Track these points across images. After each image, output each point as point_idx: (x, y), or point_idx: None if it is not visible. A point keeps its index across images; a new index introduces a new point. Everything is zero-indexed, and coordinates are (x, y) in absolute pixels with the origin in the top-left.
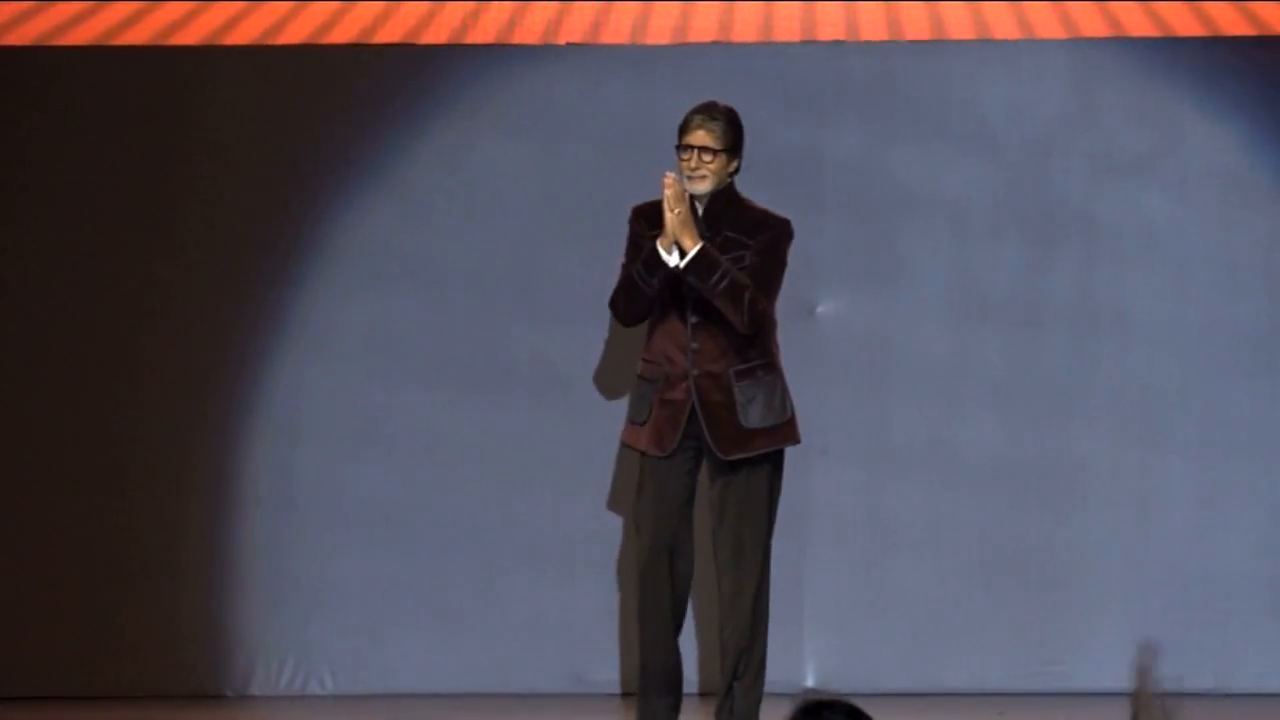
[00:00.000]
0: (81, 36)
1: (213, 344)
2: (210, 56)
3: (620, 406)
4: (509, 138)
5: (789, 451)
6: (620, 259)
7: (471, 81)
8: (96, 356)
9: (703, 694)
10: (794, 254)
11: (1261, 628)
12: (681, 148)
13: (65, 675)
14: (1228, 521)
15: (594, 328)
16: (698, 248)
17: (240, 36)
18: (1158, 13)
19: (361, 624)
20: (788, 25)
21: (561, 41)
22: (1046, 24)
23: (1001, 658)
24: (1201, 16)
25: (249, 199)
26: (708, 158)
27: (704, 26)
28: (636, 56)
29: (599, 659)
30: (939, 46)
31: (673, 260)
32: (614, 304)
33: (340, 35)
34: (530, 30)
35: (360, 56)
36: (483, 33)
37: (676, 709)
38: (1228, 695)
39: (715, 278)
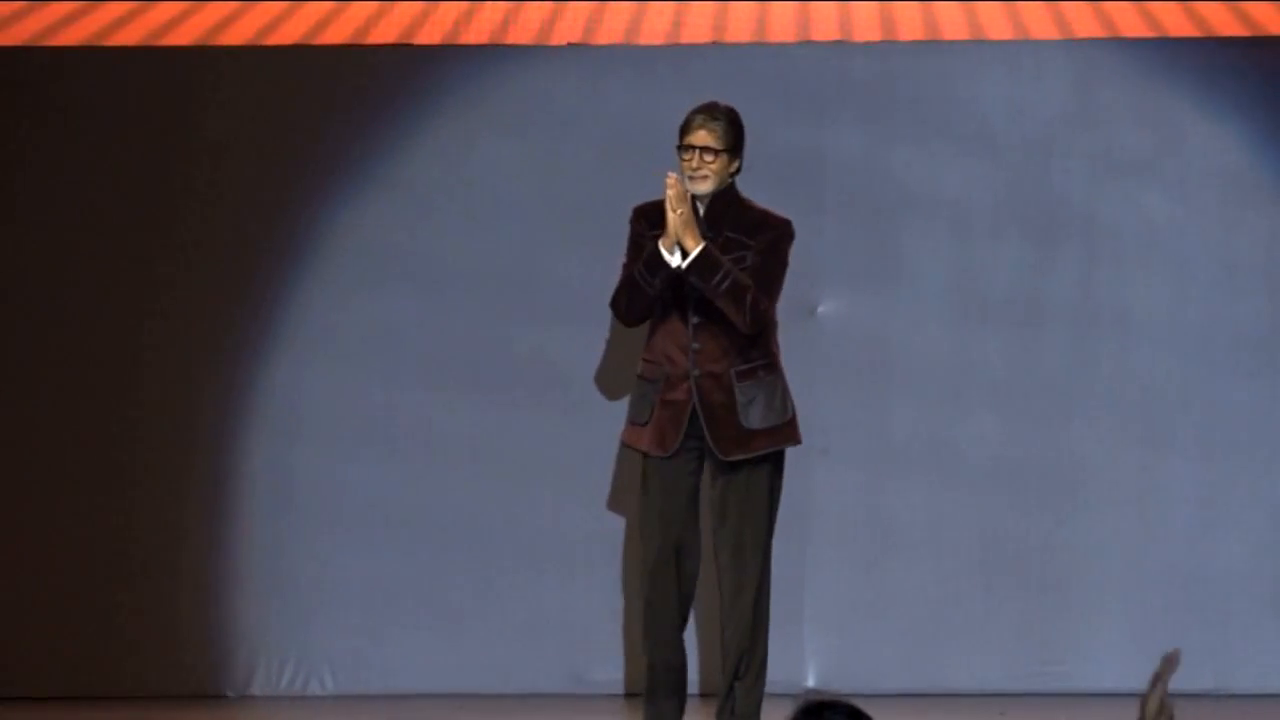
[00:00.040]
0: (75, 36)
1: (213, 344)
2: (210, 57)
3: (621, 406)
4: (509, 137)
5: (790, 451)
6: (621, 259)
7: (472, 81)
8: (96, 356)
9: (703, 695)
10: (795, 254)
11: (1262, 628)
12: (683, 148)
13: (65, 676)
14: (1228, 521)
15: (594, 328)
16: (700, 248)
17: (234, 36)
18: (1159, 13)
19: (362, 624)
20: (789, 25)
21: (555, 42)
22: (1047, 24)
23: (1002, 658)
24: (1202, 16)
25: (249, 199)
26: (709, 158)
27: (700, 26)
28: (637, 57)
29: (600, 659)
30: (940, 47)
31: (675, 260)
32: (615, 304)
33: (334, 35)
34: (525, 30)
35: (361, 57)
36: (476, 33)
37: (682, 710)
38: (1228, 695)
39: (717, 278)
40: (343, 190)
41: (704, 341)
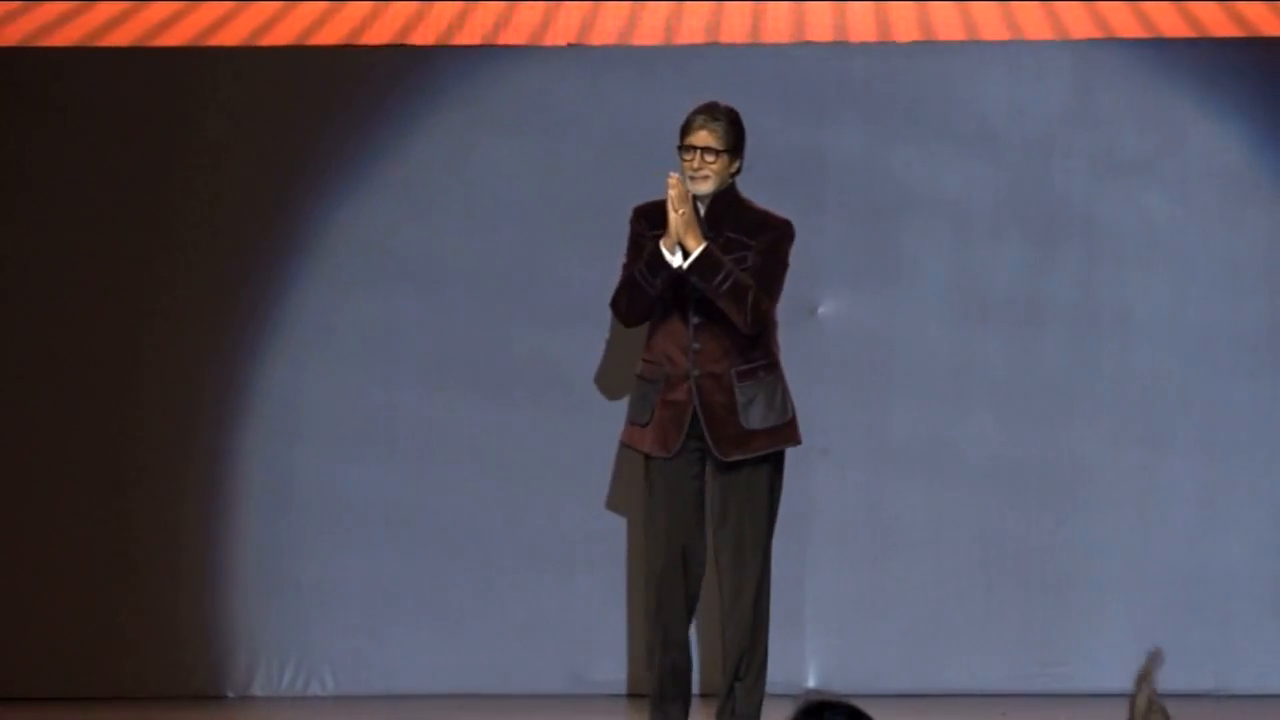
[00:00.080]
0: (68, 37)
1: (213, 344)
2: (209, 57)
3: (621, 406)
4: (509, 138)
5: (790, 451)
6: (621, 259)
7: (473, 81)
8: (96, 356)
9: (704, 695)
10: (795, 254)
11: (1262, 628)
12: (684, 148)
13: (66, 676)
14: (1229, 521)
15: (595, 328)
16: (701, 248)
17: (228, 36)
18: (1159, 12)
19: (362, 624)
20: (784, 26)
21: (548, 43)
22: (1048, 25)
23: (1003, 658)
24: (1202, 17)
25: (248, 199)
26: (710, 158)
27: (694, 27)
28: (637, 57)
29: (600, 659)
30: (940, 47)
31: (676, 260)
32: (615, 304)
33: (329, 36)
34: (519, 31)
35: (360, 57)
36: (470, 34)
37: (687, 712)
38: (1228, 696)
39: (719, 278)
40: (342, 190)
41: (705, 342)
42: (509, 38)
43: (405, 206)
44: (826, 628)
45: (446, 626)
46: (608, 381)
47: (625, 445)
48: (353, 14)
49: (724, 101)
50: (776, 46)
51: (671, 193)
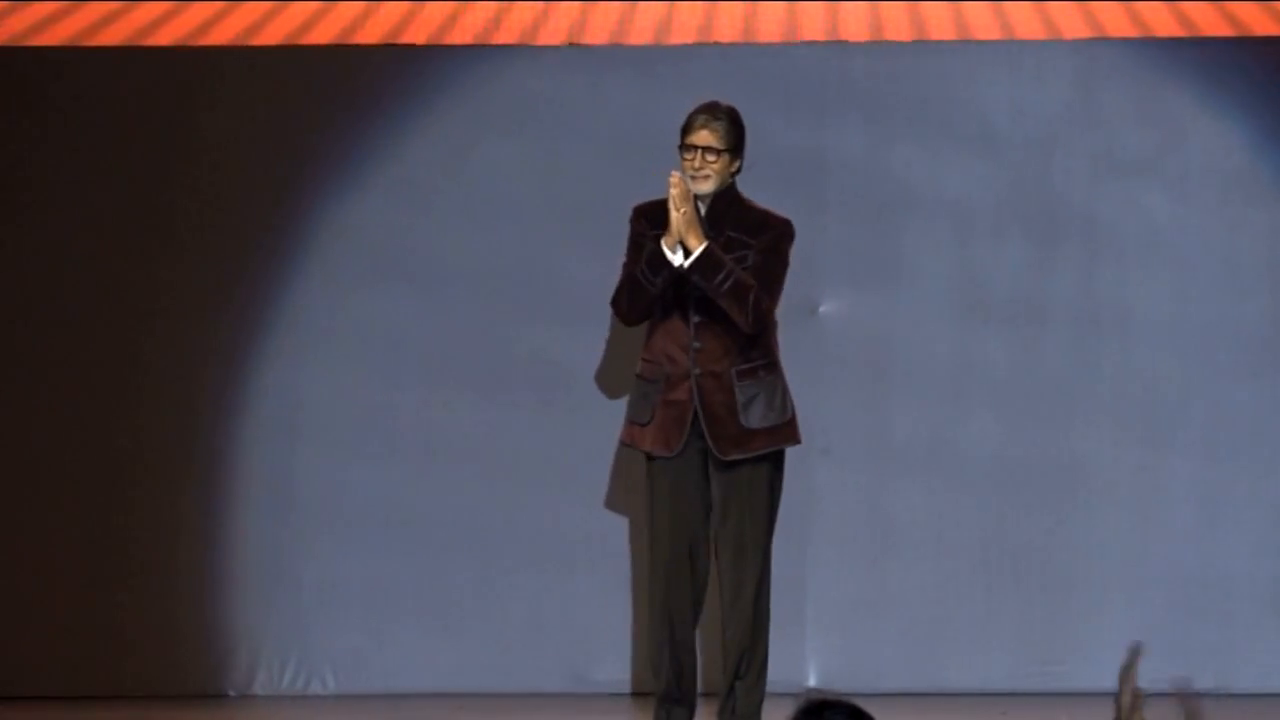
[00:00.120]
0: (57, 36)
1: (213, 344)
2: (209, 57)
3: (621, 407)
4: (509, 137)
5: (790, 451)
6: (621, 258)
7: (473, 81)
8: (96, 356)
9: (704, 694)
10: (796, 254)
11: (1263, 628)
12: (685, 147)
13: (66, 675)
14: (1229, 521)
15: (595, 327)
16: (703, 247)
17: (221, 35)
18: (1160, 12)
19: (363, 624)
20: (776, 26)
21: (542, 42)
22: (1049, 24)
23: (1003, 657)
24: (1190, 18)
25: (248, 198)
26: (711, 158)
27: (688, 27)
28: (637, 57)
29: (600, 658)
30: (941, 47)
31: (677, 260)
32: (616, 303)
33: (320, 35)
34: (511, 31)
35: (359, 56)
36: (462, 33)
37: (692, 713)
38: (1228, 695)
39: (720, 277)
40: (343, 190)
41: (705, 341)
42: (502, 38)
43: (406, 206)
44: (827, 627)
45: (447, 626)
46: (608, 381)
47: (625, 445)
48: (343, 14)
49: (724, 101)
50: (778, 46)
51: (673, 191)
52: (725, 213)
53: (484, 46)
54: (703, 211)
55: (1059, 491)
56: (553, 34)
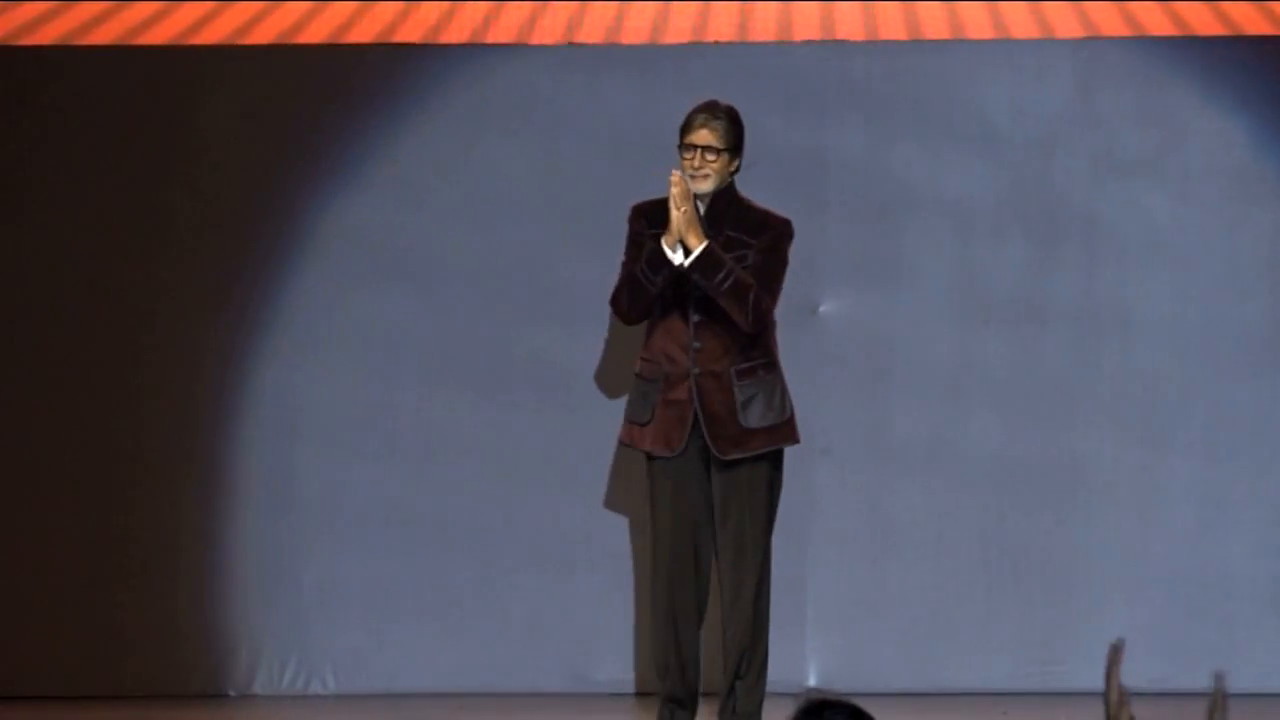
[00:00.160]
0: (47, 36)
1: (213, 344)
2: (208, 56)
3: (622, 406)
4: (509, 137)
5: (791, 451)
6: (620, 257)
7: (473, 80)
8: (96, 356)
9: (705, 694)
10: (797, 253)
11: (1263, 628)
12: (684, 147)
13: (66, 675)
14: (1230, 521)
15: (594, 327)
16: (703, 246)
17: (213, 34)
18: (1160, 11)
19: (363, 624)
20: (770, 25)
21: (535, 41)
22: (1049, 22)
23: (1003, 657)
24: (1207, 13)
25: (247, 197)
26: (711, 157)
27: (683, 26)
28: (637, 56)
29: (601, 658)
30: (941, 46)
31: (678, 258)
32: (615, 302)
33: (314, 35)
34: (506, 29)
35: (358, 55)
36: (455, 33)
37: (694, 710)
38: (1229, 695)
39: (720, 276)
40: (342, 189)
41: (705, 340)
42: (496, 36)
43: (405, 206)
44: (827, 627)
45: (447, 626)
46: (608, 381)
47: (624, 444)
48: (337, 13)
49: (724, 100)
50: (778, 45)
51: (674, 190)
52: (724, 212)
53: (483, 46)
54: (702, 211)
55: (1059, 491)
56: (547, 33)
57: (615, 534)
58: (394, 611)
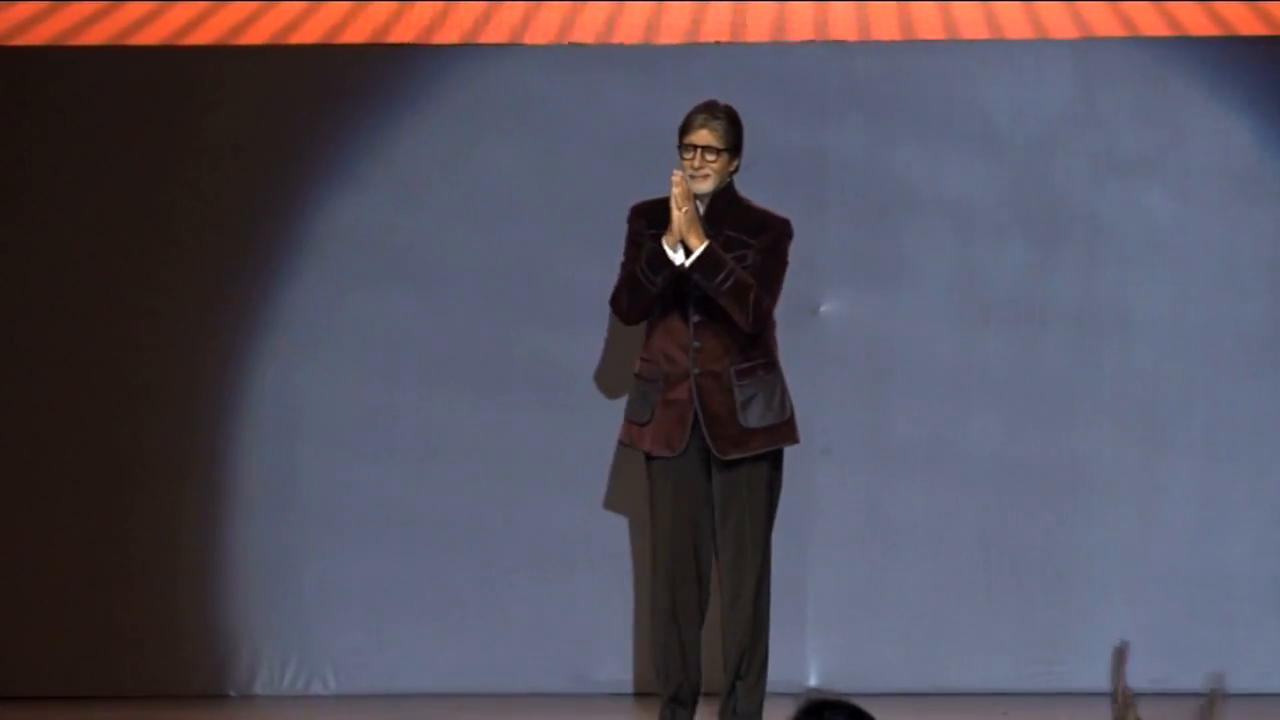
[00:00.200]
0: (39, 36)
1: (213, 344)
2: (208, 56)
3: (621, 406)
4: (509, 137)
5: (791, 451)
6: (619, 257)
7: (472, 80)
8: (96, 356)
9: (705, 694)
10: (797, 253)
11: (1263, 628)
12: (684, 147)
13: (66, 675)
14: (1230, 521)
15: (594, 327)
16: (704, 246)
17: (207, 34)
18: (1161, 11)
19: (364, 624)
20: (765, 25)
21: (530, 41)
22: (1050, 23)
23: (1004, 657)
24: (1208, 14)
25: (247, 197)
26: (711, 157)
27: (677, 26)
28: (637, 56)
29: (601, 658)
30: (942, 46)
31: (678, 258)
32: (615, 302)
33: (310, 34)
34: (500, 28)
35: (358, 55)
36: (449, 32)
37: (695, 709)
38: (1229, 695)
39: (721, 276)
40: (342, 189)
41: (705, 340)
42: (491, 36)
43: (405, 206)
44: (828, 627)
45: (448, 626)
46: (608, 381)
47: (624, 444)
48: (332, 12)
49: (723, 100)
50: (778, 45)
51: (675, 190)
52: (724, 212)
53: (483, 46)
54: (701, 211)
55: (1059, 491)
56: (542, 32)
57: (615, 534)
58: (394, 611)
